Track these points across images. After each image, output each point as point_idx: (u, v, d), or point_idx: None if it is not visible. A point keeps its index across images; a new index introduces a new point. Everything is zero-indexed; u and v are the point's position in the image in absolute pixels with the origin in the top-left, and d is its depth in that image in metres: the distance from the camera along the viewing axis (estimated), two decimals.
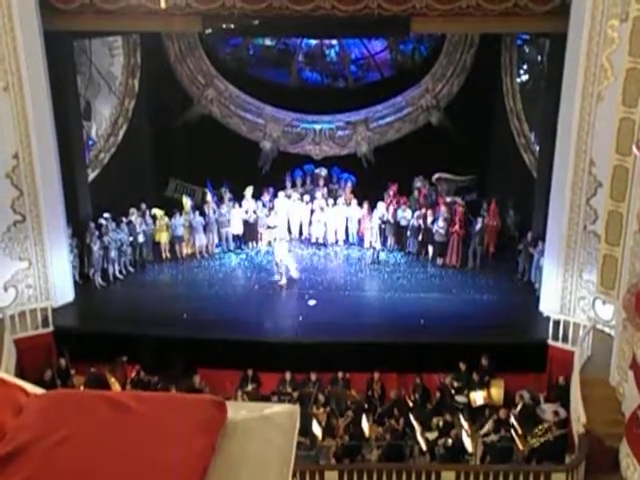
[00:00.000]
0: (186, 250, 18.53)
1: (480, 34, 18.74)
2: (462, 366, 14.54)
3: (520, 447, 12.89)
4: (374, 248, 18.30)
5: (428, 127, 20.59)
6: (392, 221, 18.72)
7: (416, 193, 19.53)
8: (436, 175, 19.91)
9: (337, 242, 19.27)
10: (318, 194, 19.48)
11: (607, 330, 14.68)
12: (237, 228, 18.86)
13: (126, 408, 2.63)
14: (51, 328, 15.34)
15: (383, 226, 18.57)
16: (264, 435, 2.69)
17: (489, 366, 14.54)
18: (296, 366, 14.65)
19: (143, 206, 18.17)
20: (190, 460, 2.49)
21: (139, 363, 14.70)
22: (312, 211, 19.26)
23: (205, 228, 18.45)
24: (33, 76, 14.66)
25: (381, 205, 18.67)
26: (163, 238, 18.34)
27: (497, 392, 14.47)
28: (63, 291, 16.19)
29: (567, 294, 15.35)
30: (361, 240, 19.21)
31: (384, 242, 18.84)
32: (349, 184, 19.93)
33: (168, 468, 2.45)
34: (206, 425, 2.61)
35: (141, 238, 17.94)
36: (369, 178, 19.97)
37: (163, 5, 10.15)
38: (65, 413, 2.63)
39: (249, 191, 18.95)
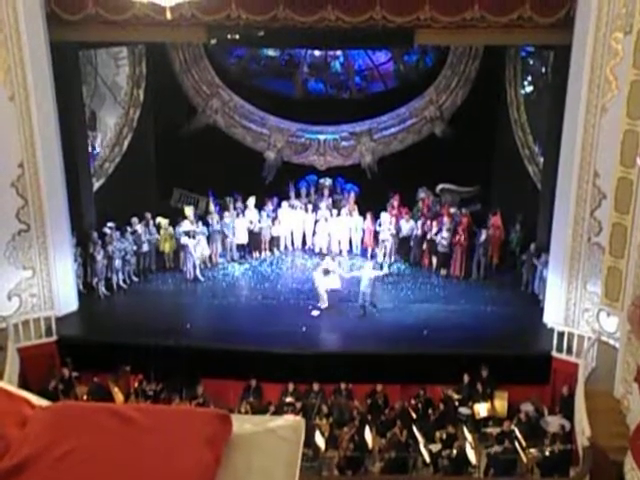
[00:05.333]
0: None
1: (484, 46, 18.79)
2: (465, 378, 14.50)
3: (524, 459, 12.84)
4: (384, 261, 18.28)
5: (432, 138, 20.64)
6: (395, 232, 18.72)
7: (420, 204, 19.55)
8: (440, 186, 19.94)
9: (341, 252, 19.27)
10: (322, 204, 19.51)
11: (611, 342, 14.62)
12: (241, 238, 18.88)
13: (131, 421, 2.63)
14: (54, 337, 15.34)
15: (391, 238, 18.53)
16: (269, 448, 2.68)
17: (489, 377, 14.50)
18: (299, 377, 14.63)
19: (148, 215, 18.20)
20: (195, 474, 2.48)
21: (142, 373, 14.68)
22: (316, 221, 19.28)
23: (209, 238, 18.45)
24: (39, 86, 14.73)
25: (386, 217, 18.63)
26: (167, 248, 18.36)
27: (501, 404, 14.42)
28: (67, 300, 16.20)
29: (571, 306, 15.30)
30: (364, 251, 19.24)
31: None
32: (352, 194, 19.95)
33: None
34: (211, 438, 2.60)
35: (145, 247, 17.97)
36: (373, 189, 20.00)
37: (169, 16, 10.17)
38: (70, 426, 2.63)
39: (252, 201, 18.98)
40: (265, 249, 19.26)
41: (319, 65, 21.78)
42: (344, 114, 20.86)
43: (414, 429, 13.32)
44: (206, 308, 17.16)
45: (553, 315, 15.53)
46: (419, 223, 18.63)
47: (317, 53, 21.50)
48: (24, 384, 13.78)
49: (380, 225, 18.62)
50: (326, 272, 16.63)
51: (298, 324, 15.90)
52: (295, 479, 2.66)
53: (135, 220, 17.95)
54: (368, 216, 18.93)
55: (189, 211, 18.51)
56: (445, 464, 12.94)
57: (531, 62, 19.70)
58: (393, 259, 18.54)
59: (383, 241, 18.44)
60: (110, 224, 17.50)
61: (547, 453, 12.95)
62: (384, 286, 17.85)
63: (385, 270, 17.58)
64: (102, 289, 17.16)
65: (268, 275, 18.31)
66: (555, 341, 14.85)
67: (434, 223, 18.42)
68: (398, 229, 18.70)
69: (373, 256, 19.06)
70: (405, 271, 18.54)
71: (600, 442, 12.49)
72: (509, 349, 15.29)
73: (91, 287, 17.15)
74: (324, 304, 16.50)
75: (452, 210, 19.01)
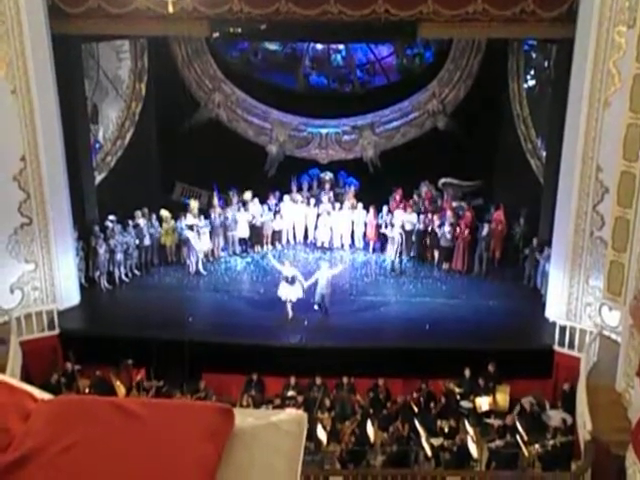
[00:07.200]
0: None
1: (487, 39, 18.73)
2: (467, 372, 14.51)
3: (525, 453, 12.85)
4: (399, 257, 18.11)
5: (434, 132, 20.61)
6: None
7: (416, 197, 19.45)
8: (442, 180, 19.91)
9: (342, 246, 19.27)
10: (324, 198, 19.50)
11: (613, 336, 14.63)
12: (243, 232, 18.89)
13: (134, 415, 2.62)
14: (57, 331, 15.37)
15: (401, 232, 18.36)
16: (271, 442, 2.68)
17: (495, 373, 14.50)
18: (301, 370, 14.64)
19: (145, 210, 18.17)
20: (197, 468, 2.48)
21: (144, 367, 14.70)
22: (318, 215, 19.27)
23: (211, 232, 18.46)
24: (41, 79, 14.71)
25: (400, 213, 18.49)
26: (168, 241, 18.36)
27: (503, 398, 14.43)
28: (69, 294, 16.23)
29: (573, 300, 15.31)
30: (367, 244, 19.24)
31: (382, 247, 18.89)
32: (352, 188, 19.94)
33: (175, 476, 2.45)
34: (213, 432, 2.60)
35: (147, 241, 17.98)
36: (375, 182, 19.99)
37: (171, 9, 10.15)
38: (73, 419, 2.63)
39: (248, 195, 18.96)
40: (267, 243, 19.27)
41: (321, 59, 21.76)
42: (346, 108, 20.83)
43: (416, 423, 13.33)
44: (208, 302, 17.17)
45: (555, 309, 15.53)
46: (421, 217, 18.61)
47: (319, 47, 21.47)
48: (26, 377, 13.81)
49: (390, 221, 18.41)
50: (292, 281, 15.76)
51: (300, 317, 15.91)
52: (297, 473, 2.66)
53: (138, 213, 17.97)
54: (371, 210, 18.91)
55: (194, 204, 18.52)
56: (447, 458, 12.95)
57: (534, 56, 19.65)
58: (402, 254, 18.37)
59: (394, 237, 18.19)
60: (111, 217, 17.51)
61: (549, 447, 12.96)
62: (387, 280, 17.87)
63: (341, 266, 16.97)
64: (104, 283, 17.18)
65: (270, 269, 18.29)
66: (557, 335, 14.86)
67: (435, 217, 18.40)
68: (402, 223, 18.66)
69: (375, 250, 19.08)
70: (407, 265, 18.52)
71: (602, 436, 12.48)
72: (511, 343, 15.31)
73: (93, 281, 17.18)
74: (289, 315, 15.83)
75: (454, 204, 19.00)
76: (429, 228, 18.42)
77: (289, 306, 15.85)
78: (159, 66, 19.88)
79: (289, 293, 15.83)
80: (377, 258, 18.89)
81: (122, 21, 15.24)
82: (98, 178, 18.54)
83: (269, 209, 19.18)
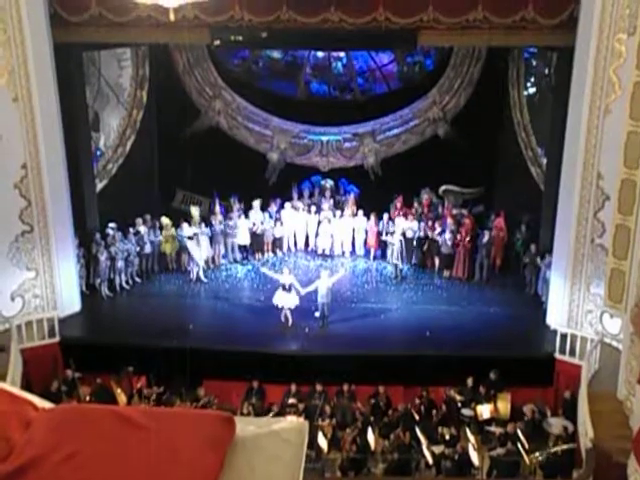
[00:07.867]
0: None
1: (487, 47, 18.77)
2: (469, 380, 14.48)
3: (527, 461, 12.82)
4: (396, 264, 18.14)
5: (435, 139, 20.62)
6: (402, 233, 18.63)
7: (416, 205, 19.47)
8: (443, 187, 19.93)
9: (343, 254, 19.27)
10: (325, 205, 19.52)
11: (615, 344, 14.60)
12: (244, 239, 18.89)
13: (135, 424, 2.63)
14: (57, 338, 15.35)
15: (401, 239, 18.37)
16: (273, 451, 2.68)
17: (497, 381, 14.47)
18: (301, 378, 14.62)
19: (146, 217, 18.18)
20: (198, 476, 2.48)
21: (145, 374, 14.68)
22: (319, 222, 19.28)
23: (211, 239, 18.46)
24: (42, 87, 14.74)
25: (401, 220, 18.51)
26: (168, 249, 18.36)
27: (504, 406, 14.40)
28: (70, 301, 16.22)
29: (574, 307, 15.28)
30: (367, 252, 19.24)
31: (382, 254, 18.88)
32: (352, 196, 19.95)
33: None
34: (215, 441, 2.60)
35: (148, 248, 17.98)
36: (376, 190, 20.00)
37: (172, 17, 10.18)
38: (74, 428, 2.63)
39: (257, 203, 18.97)
40: (268, 250, 19.27)
41: (322, 66, 21.80)
42: (347, 115, 20.85)
43: (417, 431, 13.30)
44: (208, 309, 17.17)
45: (556, 317, 15.50)
46: (422, 224, 18.62)
47: (320, 54, 21.51)
48: (27, 385, 13.80)
49: (391, 229, 18.43)
50: (288, 288, 15.81)
51: (301, 325, 15.90)
52: None
53: (139, 221, 17.98)
54: (371, 217, 18.91)
55: (195, 212, 18.53)
56: (448, 466, 12.92)
57: (534, 63, 19.68)
58: (400, 264, 18.34)
59: (394, 245, 18.23)
60: (112, 225, 17.52)
61: (550, 455, 12.93)
62: (387, 287, 17.86)
63: (342, 271, 16.92)
64: (105, 290, 17.17)
65: (270, 276, 18.27)
66: (558, 343, 14.84)
67: (436, 224, 18.42)
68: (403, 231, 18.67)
69: (376, 257, 19.08)
70: (408, 272, 18.52)
71: (603, 444, 12.45)
72: (512, 351, 15.27)
73: (94, 288, 17.16)
74: (288, 323, 15.86)
75: (455, 211, 19.02)
76: (430, 235, 18.43)
77: (288, 313, 15.84)
78: (160, 74, 19.93)
79: (285, 300, 15.84)
80: (378, 265, 18.89)
81: (123, 29, 15.28)
82: (99, 186, 18.56)
83: (270, 216, 19.18)
